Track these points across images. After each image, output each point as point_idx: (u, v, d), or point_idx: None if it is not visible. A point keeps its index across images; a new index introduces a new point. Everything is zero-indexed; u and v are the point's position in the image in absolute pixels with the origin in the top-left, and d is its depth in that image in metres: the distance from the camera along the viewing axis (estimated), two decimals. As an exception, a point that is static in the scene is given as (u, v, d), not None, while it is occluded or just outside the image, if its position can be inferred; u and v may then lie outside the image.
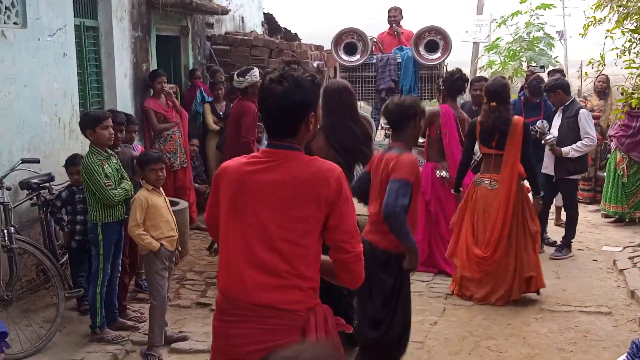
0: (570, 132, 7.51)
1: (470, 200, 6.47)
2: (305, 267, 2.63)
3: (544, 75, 10.06)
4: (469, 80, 7.70)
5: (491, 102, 6.23)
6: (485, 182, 6.38)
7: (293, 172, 2.62)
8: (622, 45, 5.50)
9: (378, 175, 4.45)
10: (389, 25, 10.09)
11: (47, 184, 6.18)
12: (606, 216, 9.79)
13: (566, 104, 7.58)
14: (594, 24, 5.69)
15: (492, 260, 6.30)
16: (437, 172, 7.17)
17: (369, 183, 4.62)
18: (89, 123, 5.37)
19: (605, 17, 5.59)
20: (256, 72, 7.07)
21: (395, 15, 10.04)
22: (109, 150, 5.47)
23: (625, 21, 5.43)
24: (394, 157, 4.32)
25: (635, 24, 5.41)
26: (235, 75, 7.10)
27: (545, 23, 18.85)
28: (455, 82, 7.14)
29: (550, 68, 12.10)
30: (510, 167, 6.21)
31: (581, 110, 7.40)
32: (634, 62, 5.52)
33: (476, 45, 19.60)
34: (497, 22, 18.81)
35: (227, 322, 2.65)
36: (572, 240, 8.02)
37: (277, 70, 2.68)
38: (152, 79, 8.34)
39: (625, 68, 5.65)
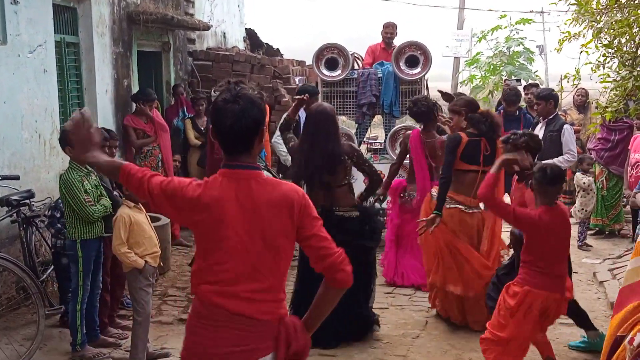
0: (553, 146, 7.54)
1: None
2: (278, 280, 2.82)
3: (521, 89, 10.15)
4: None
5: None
6: (460, 206, 6.14)
7: (265, 194, 2.77)
8: (597, 59, 5.57)
9: None
10: (382, 40, 10.15)
11: (28, 201, 6.15)
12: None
13: (550, 117, 7.63)
14: (569, 39, 5.76)
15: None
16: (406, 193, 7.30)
17: None
18: (67, 139, 5.36)
19: (580, 33, 5.67)
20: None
21: (391, 32, 10.11)
22: (88, 167, 5.46)
23: (599, 36, 5.52)
24: None
25: (608, 39, 5.50)
26: (213, 90, 7.18)
27: (525, 38, 19.13)
28: (410, 109, 7.24)
29: (526, 83, 12.26)
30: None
31: (565, 126, 7.44)
32: (608, 76, 5.59)
33: (457, 60, 19.84)
34: (477, 37, 19.05)
35: (207, 326, 2.76)
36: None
37: (228, 90, 2.80)
38: (144, 101, 8.33)
39: (600, 82, 5.73)
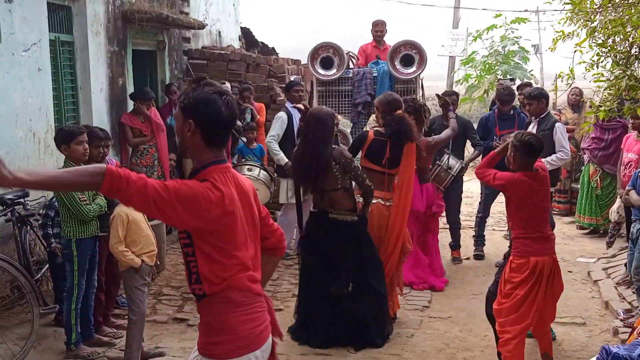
0: (545, 145, 7.53)
1: None
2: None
3: (514, 88, 10.15)
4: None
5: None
6: (379, 200, 6.19)
7: (245, 184, 2.96)
8: (591, 59, 5.57)
9: None
10: (372, 38, 10.13)
11: (22, 200, 6.14)
12: (581, 228, 9.90)
13: (542, 116, 7.64)
14: (563, 38, 5.76)
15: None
16: None
17: None
18: (63, 138, 5.36)
19: (574, 32, 5.67)
20: (227, 85, 7.25)
21: (381, 30, 10.08)
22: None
23: (593, 35, 5.52)
24: None
25: (602, 39, 5.50)
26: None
27: (520, 37, 19.11)
28: None
29: (519, 82, 12.25)
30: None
31: (557, 124, 7.46)
32: (602, 75, 5.60)
33: (452, 59, 19.84)
34: (472, 36, 19.03)
35: (246, 312, 2.88)
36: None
37: (209, 84, 2.83)
38: (141, 100, 8.34)
39: (594, 81, 5.73)
